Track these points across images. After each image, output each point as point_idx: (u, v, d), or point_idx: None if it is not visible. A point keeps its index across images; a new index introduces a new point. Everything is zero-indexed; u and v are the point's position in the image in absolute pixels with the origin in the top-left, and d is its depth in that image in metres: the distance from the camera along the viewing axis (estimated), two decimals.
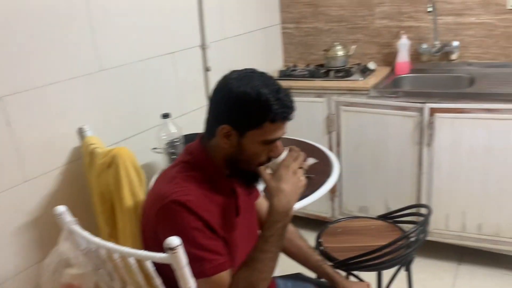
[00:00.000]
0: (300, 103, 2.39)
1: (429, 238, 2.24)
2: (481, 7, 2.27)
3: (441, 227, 2.19)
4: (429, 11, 2.20)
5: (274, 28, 2.82)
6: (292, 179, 1.05)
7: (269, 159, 1.10)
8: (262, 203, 1.34)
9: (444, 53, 2.42)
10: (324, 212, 2.54)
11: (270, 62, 2.79)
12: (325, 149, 1.88)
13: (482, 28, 2.30)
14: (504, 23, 2.24)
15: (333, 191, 2.45)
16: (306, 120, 2.41)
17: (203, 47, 2.22)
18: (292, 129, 2.52)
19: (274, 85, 1.06)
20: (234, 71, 1.09)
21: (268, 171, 1.08)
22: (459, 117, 2.00)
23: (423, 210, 1.70)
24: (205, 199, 1.04)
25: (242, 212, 1.17)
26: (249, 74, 1.07)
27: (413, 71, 2.47)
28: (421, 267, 2.23)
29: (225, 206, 1.10)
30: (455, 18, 2.35)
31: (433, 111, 2.04)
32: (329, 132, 2.37)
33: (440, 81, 2.38)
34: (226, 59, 2.42)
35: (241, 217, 1.16)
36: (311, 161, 1.55)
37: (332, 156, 1.78)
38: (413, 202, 2.23)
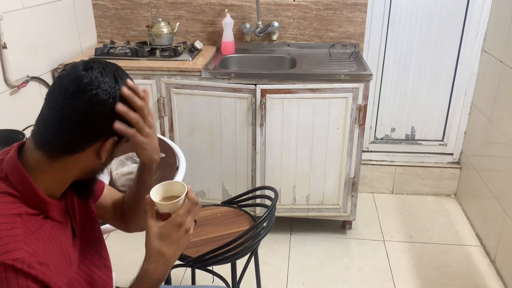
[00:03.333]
0: None
1: None
2: None
3: None
4: None
5: None
6: (181, 241, 0.88)
7: None
8: (106, 195, 1.11)
9: (266, 34, 2.47)
10: None
11: (82, 38, 2.42)
12: (167, 140, 1.71)
13: (298, 10, 2.42)
14: (316, 6, 2.40)
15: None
16: None
17: None
18: None
19: (126, 74, 0.87)
20: (75, 67, 0.81)
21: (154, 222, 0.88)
22: (288, 97, 2.08)
23: (267, 192, 1.73)
24: (38, 244, 0.77)
25: (79, 228, 0.94)
26: (104, 67, 0.82)
27: (238, 51, 2.47)
28: None
29: (61, 236, 0.85)
30: None
31: (264, 92, 2.07)
32: (161, 117, 2.19)
33: (264, 61, 2.44)
34: (26, 34, 1.98)
35: (78, 235, 0.93)
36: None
37: (176, 148, 1.63)
38: (248, 183, 2.26)
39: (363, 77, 2.05)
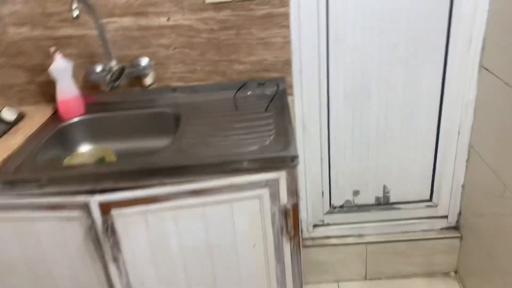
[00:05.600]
0: None
1: None
2: (169, 0, 1.41)
3: None
4: (75, 17, 1.21)
5: None
6: None
7: None
8: None
9: (135, 78, 1.51)
10: None
11: None
12: None
13: (179, 33, 1.46)
14: (207, 25, 1.45)
15: None
16: None
17: None
18: None
19: None
20: None
21: None
22: (153, 208, 1.14)
23: None
24: None
25: None
26: None
27: (91, 108, 1.51)
28: None
29: None
30: (135, 19, 1.44)
31: (107, 207, 1.12)
32: None
33: (133, 125, 1.48)
34: None
35: None
36: None
37: None
38: None
39: (282, 162, 1.12)
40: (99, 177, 1.13)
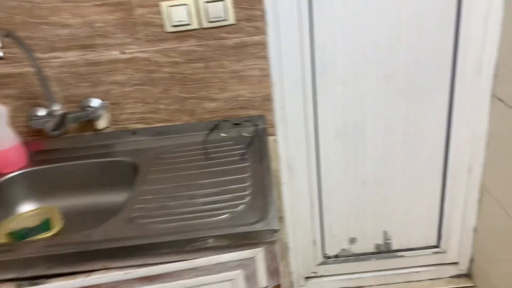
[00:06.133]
0: None
1: None
2: (121, 30, 1.18)
3: None
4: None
5: None
6: None
7: None
8: None
9: (88, 120, 1.28)
10: None
11: None
12: None
13: (136, 68, 1.23)
14: (169, 58, 1.21)
15: None
16: None
17: None
18: None
19: None
20: None
21: None
22: None
23: None
24: None
25: None
26: None
27: (36, 158, 1.26)
28: None
29: None
30: (82, 53, 1.20)
31: None
32: None
33: (84, 177, 1.24)
34: None
35: None
36: None
37: None
38: None
39: (259, 238, 0.88)
40: (27, 262, 0.88)
